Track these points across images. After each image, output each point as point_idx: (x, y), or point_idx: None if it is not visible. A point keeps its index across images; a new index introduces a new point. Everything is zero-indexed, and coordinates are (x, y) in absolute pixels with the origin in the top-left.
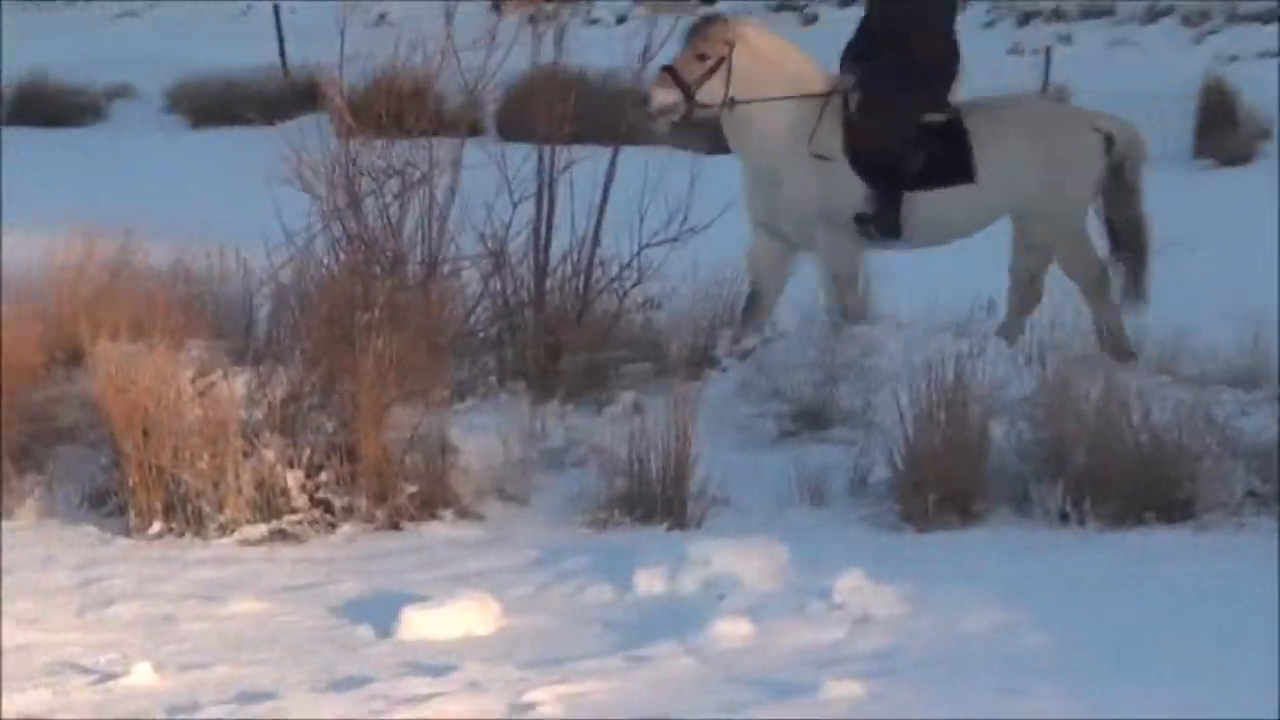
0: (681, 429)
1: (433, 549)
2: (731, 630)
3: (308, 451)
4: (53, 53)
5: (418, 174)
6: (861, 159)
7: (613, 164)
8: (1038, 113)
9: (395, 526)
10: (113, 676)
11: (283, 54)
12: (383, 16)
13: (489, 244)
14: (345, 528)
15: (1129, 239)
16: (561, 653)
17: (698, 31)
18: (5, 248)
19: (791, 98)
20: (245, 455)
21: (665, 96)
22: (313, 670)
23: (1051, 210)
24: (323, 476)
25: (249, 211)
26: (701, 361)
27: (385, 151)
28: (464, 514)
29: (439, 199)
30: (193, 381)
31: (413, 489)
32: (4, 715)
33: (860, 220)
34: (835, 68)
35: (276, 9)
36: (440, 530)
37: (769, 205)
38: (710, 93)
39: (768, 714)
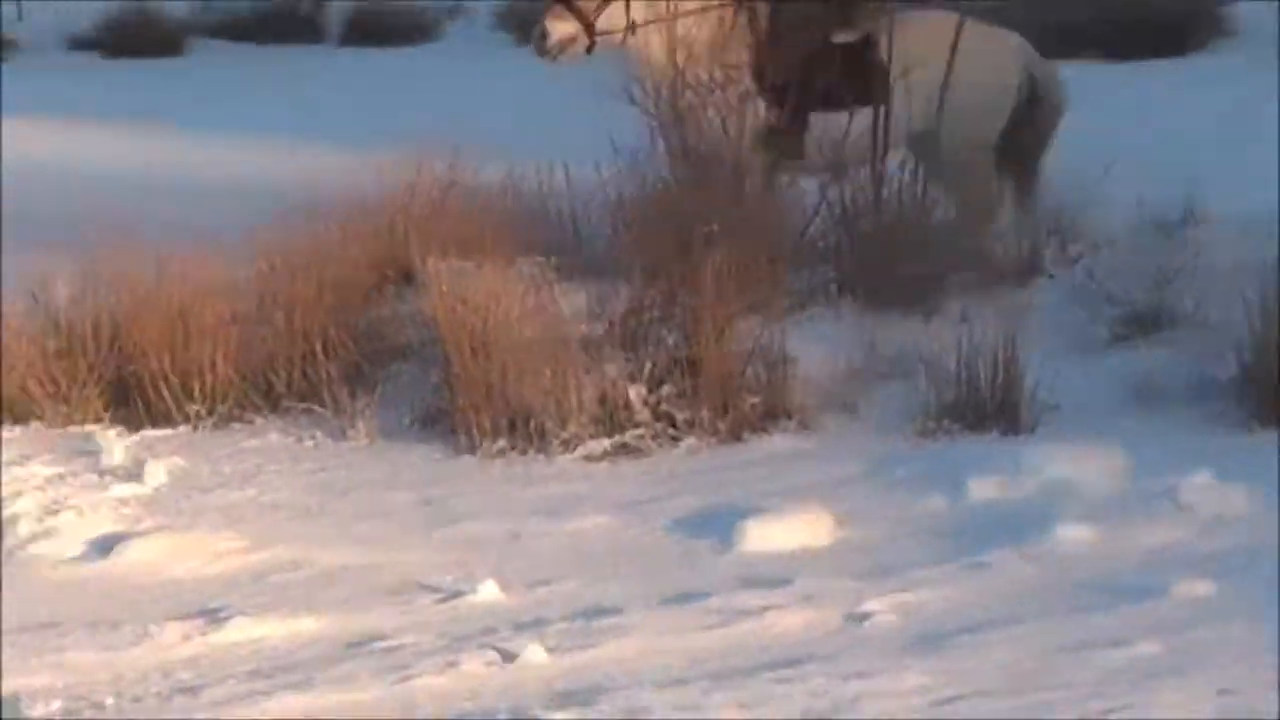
0: (1010, 336)
1: (770, 461)
2: (1073, 535)
3: (649, 365)
4: None
5: (745, 86)
6: (768, 76)
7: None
8: (947, 29)
9: (737, 439)
10: (459, 594)
11: None
12: None
13: (824, 152)
14: (688, 441)
15: (1022, 187)
16: (897, 562)
17: None
18: (338, 168)
19: (692, 14)
20: (586, 371)
21: (563, 29)
22: (654, 584)
23: (954, 142)
24: (664, 390)
25: (579, 129)
26: (1029, 270)
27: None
28: (803, 425)
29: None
30: (523, 298)
31: (754, 400)
32: (351, 633)
33: (764, 137)
34: None
35: None
36: (779, 442)
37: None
38: (610, 19)
39: (1115, 617)
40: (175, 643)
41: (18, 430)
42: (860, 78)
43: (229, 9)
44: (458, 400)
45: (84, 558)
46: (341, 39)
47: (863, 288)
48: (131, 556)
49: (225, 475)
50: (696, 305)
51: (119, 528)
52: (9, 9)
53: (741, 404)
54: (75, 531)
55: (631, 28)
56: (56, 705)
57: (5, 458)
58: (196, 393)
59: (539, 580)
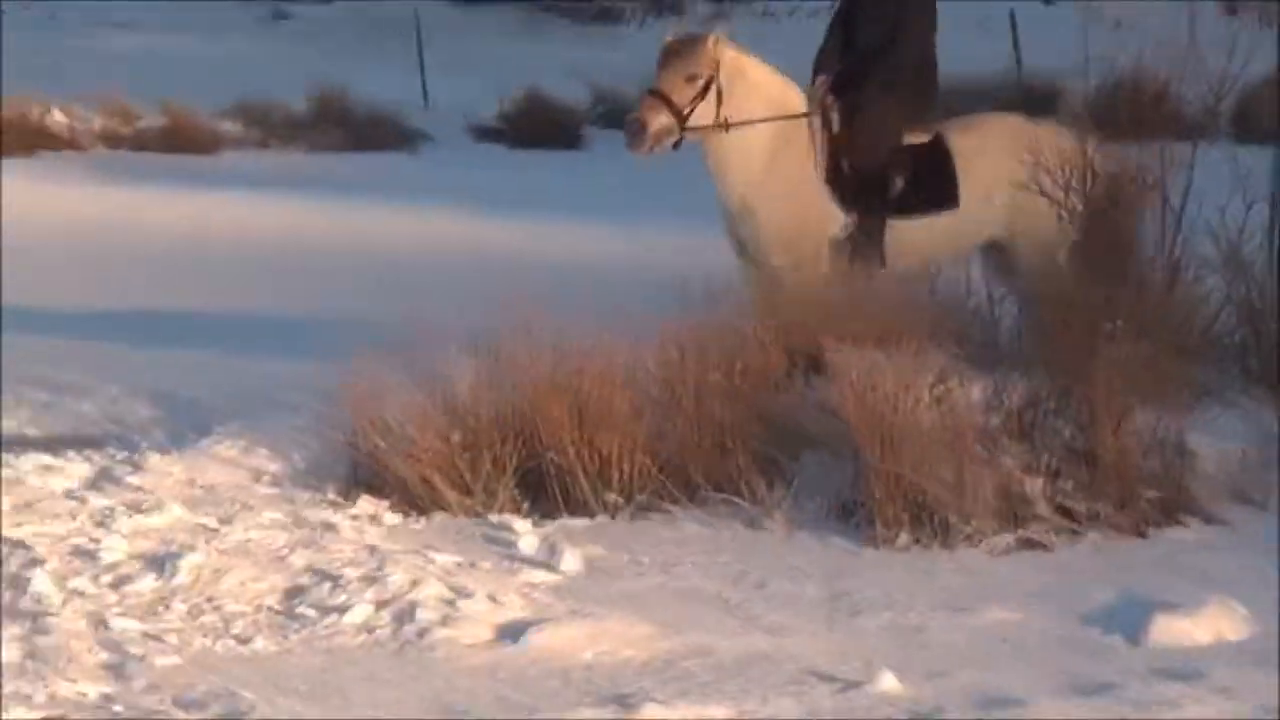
0: None
1: (1176, 554)
2: None
3: (1046, 457)
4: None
5: (1151, 178)
6: (843, 183)
7: None
8: (1022, 132)
9: (1139, 534)
10: (857, 684)
11: (1018, 58)
12: (1118, 22)
13: (1224, 247)
14: (1091, 535)
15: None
16: None
17: (682, 51)
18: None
19: (777, 119)
20: (985, 463)
21: (659, 120)
22: (1058, 676)
23: (1030, 248)
24: (1063, 483)
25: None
26: None
27: (1120, 156)
28: (1207, 519)
29: (1173, 203)
30: (931, 388)
31: (1154, 494)
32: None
33: (843, 245)
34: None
35: (1013, 13)
36: (1183, 535)
37: (748, 234)
38: (701, 115)
39: None
40: None
41: (422, 521)
42: (932, 180)
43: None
44: (872, 491)
45: (494, 643)
46: None
47: (1264, 381)
48: (542, 642)
49: (641, 564)
50: (1093, 397)
51: (529, 614)
52: (413, 92)
53: (1140, 497)
54: (485, 617)
55: (725, 125)
56: None
57: (406, 547)
58: (614, 482)
59: (938, 672)
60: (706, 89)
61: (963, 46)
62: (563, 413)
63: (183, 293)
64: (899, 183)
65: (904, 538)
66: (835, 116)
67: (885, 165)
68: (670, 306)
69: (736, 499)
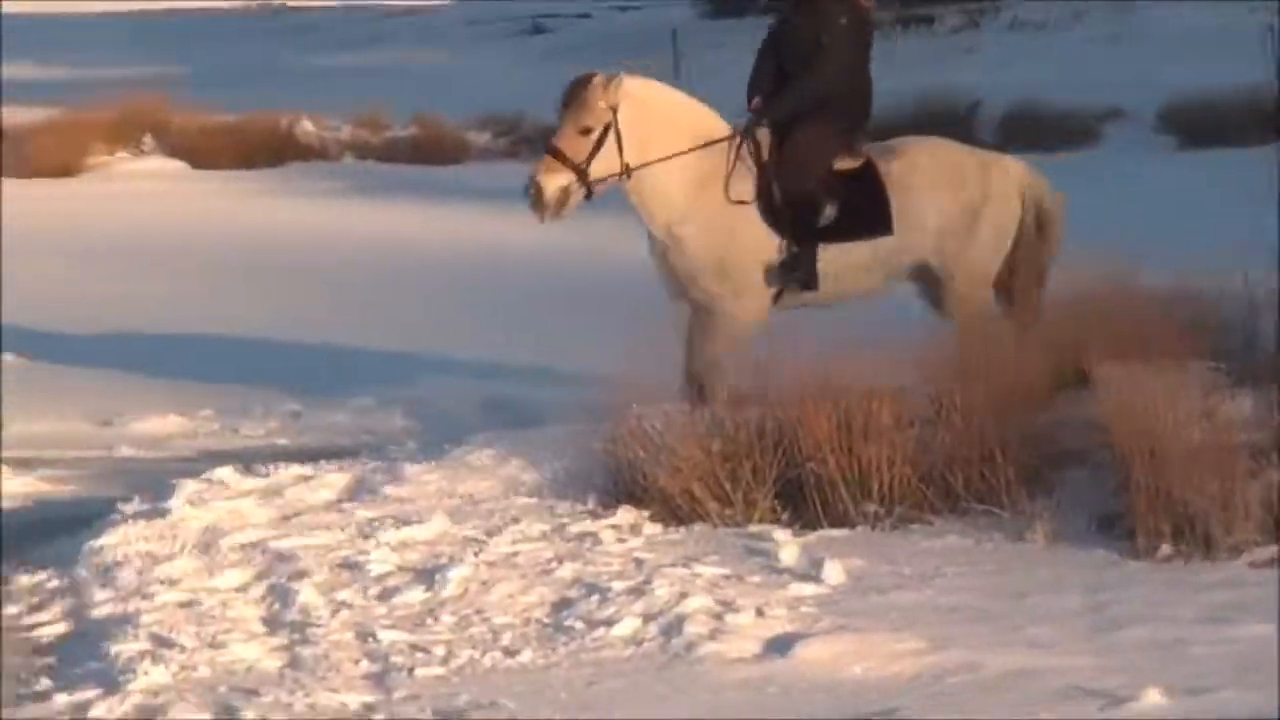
0: None
1: None
2: None
3: None
4: (1042, 75)
5: None
6: (774, 209)
7: None
8: (953, 159)
9: None
10: (1121, 701)
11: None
12: None
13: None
14: None
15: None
16: None
17: (572, 103)
18: None
19: (693, 150)
20: (1252, 476)
21: (555, 181)
22: None
23: (961, 275)
24: None
25: (1244, 233)
26: None
27: None
28: None
29: None
30: (1201, 401)
31: None
32: None
33: (777, 270)
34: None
35: (1271, 28)
36: None
37: (681, 267)
38: (605, 165)
39: None
40: None
41: (682, 531)
42: (865, 206)
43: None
44: (1135, 503)
45: (760, 657)
46: (997, 145)
47: None
48: (810, 656)
49: (904, 576)
50: None
51: (796, 627)
52: None
53: None
54: (751, 631)
55: (626, 171)
56: None
57: (669, 558)
58: (875, 492)
59: (1203, 687)
60: (602, 139)
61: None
62: (826, 424)
63: (428, 302)
64: (831, 208)
65: (1166, 549)
66: (764, 141)
67: (816, 190)
68: (925, 321)
69: (998, 510)
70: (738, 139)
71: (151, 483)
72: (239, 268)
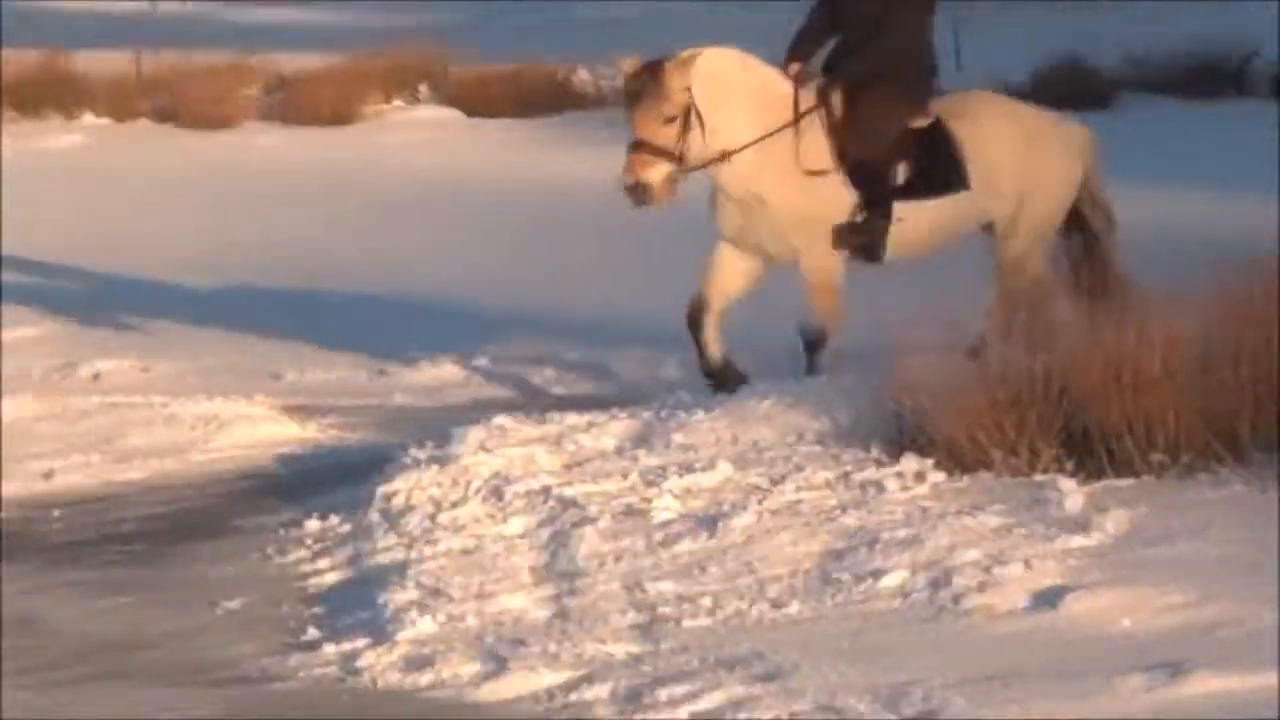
0: None
1: None
2: None
3: None
4: None
5: None
6: (850, 169)
7: None
8: (1024, 118)
9: None
10: None
11: None
12: None
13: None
14: None
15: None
16: None
17: (645, 93)
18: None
19: (781, 129)
20: None
21: (658, 173)
22: None
23: (1020, 231)
24: None
25: None
26: None
27: None
28: None
29: None
30: None
31: None
32: None
33: (844, 232)
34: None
35: None
36: None
37: (750, 225)
38: (696, 150)
39: None
40: (1137, 693)
41: (966, 480)
42: (940, 164)
43: (1160, 65)
44: None
45: (1029, 610)
46: (1271, 95)
47: None
48: (1078, 609)
49: (1175, 528)
50: None
51: (1065, 580)
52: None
53: None
54: (1021, 583)
55: (725, 155)
56: None
57: (951, 507)
58: (1160, 441)
59: None
60: (687, 125)
61: None
62: (1103, 372)
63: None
64: (905, 169)
65: None
66: (837, 104)
67: (887, 154)
68: (1203, 272)
69: None
70: (817, 105)
71: (432, 430)
72: (514, 216)
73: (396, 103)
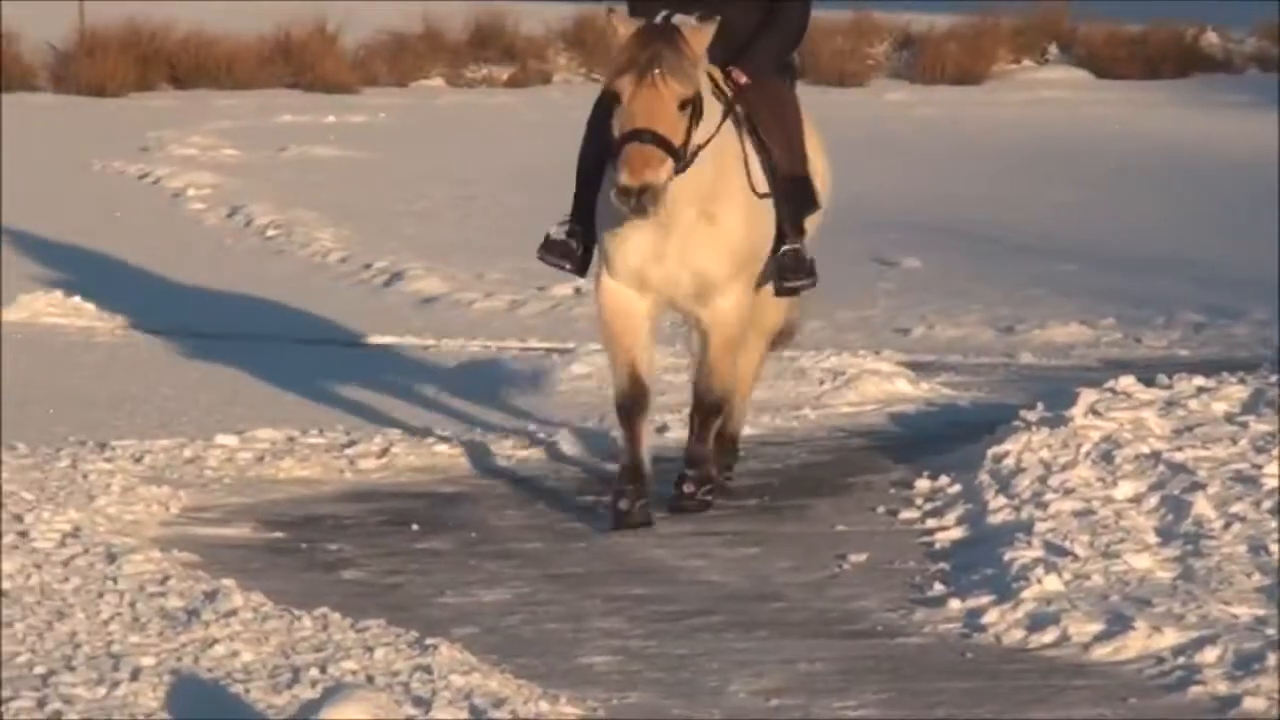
0: None
1: None
2: None
3: None
4: None
5: None
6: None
7: None
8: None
9: None
10: None
11: None
12: None
13: None
14: None
15: None
16: None
17: (665, 62)
18: None
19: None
20: None
21: (664, 174)
22: None
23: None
24: None
25: None
26: None
27: None
28: None
29: None
30: None
31: None
32: None
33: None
34: None
35: None
36: None
37: (661, 256)
38: (692, 149)
39: None
40: None
41: None
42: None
43: None
44: None
45: None
46: None
47: None
48: None
49: None
50: None
51: None
52: None
53: None
54: None
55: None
56: None
57: None
58: None
59: None
60: (697, 113)
61: None
62: None
63: None
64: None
65: None
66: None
67: (804, 168)
68: None
69: None
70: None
71: (1051, 391)
72: (1143, 177)
73: (1026, 62)
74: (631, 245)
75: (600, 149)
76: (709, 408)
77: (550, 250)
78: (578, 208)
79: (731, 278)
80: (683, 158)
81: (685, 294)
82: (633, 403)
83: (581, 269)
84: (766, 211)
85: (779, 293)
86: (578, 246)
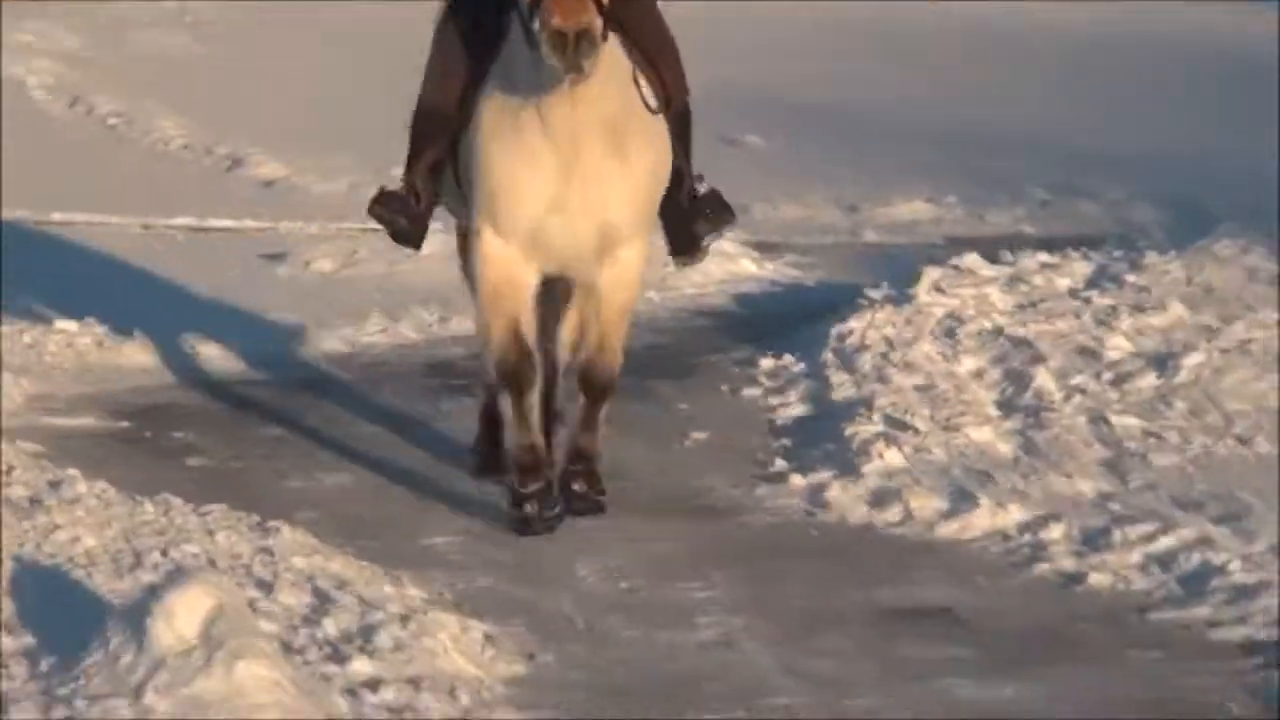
0: None
1: None
2: None
3: None
4: None
5: None
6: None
7: None
8: None
9: None
10: None
11: None
12: None
13: None
14: None
15: None
16: None
17: None
18: None
19: None
20: None
21: (597, 22)
22: None
23: None
24: None
25: None
26: None
27: None
28: None
29: None
30: None
31: None
32: None
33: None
34: None
35: None
36: None
37: (564, 199)
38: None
39: None
40: None
41: None
42: None
43: None
44: None
45: None
46: None
47: None
48: None
49: None
50: None
51: None
52: None
53: None
54: None
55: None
56: None
57: None
58: None
59: None
60: None
61: None
62: None
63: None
64: None
65: None
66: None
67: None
68: None
69: None
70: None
71: (896, 269)
72: (990, 54)
73: None
74: (526, 190)
75: (457, 78)
76: (600, 390)
77: (386, 204)
78: (418, 163)
79: (638, 227)
80: (604, 32)
81: (583, 253)
82: (519, 370)
83: (420, 229)
84: (666, 134)
85: (699, 246)
86: (419, 204)
